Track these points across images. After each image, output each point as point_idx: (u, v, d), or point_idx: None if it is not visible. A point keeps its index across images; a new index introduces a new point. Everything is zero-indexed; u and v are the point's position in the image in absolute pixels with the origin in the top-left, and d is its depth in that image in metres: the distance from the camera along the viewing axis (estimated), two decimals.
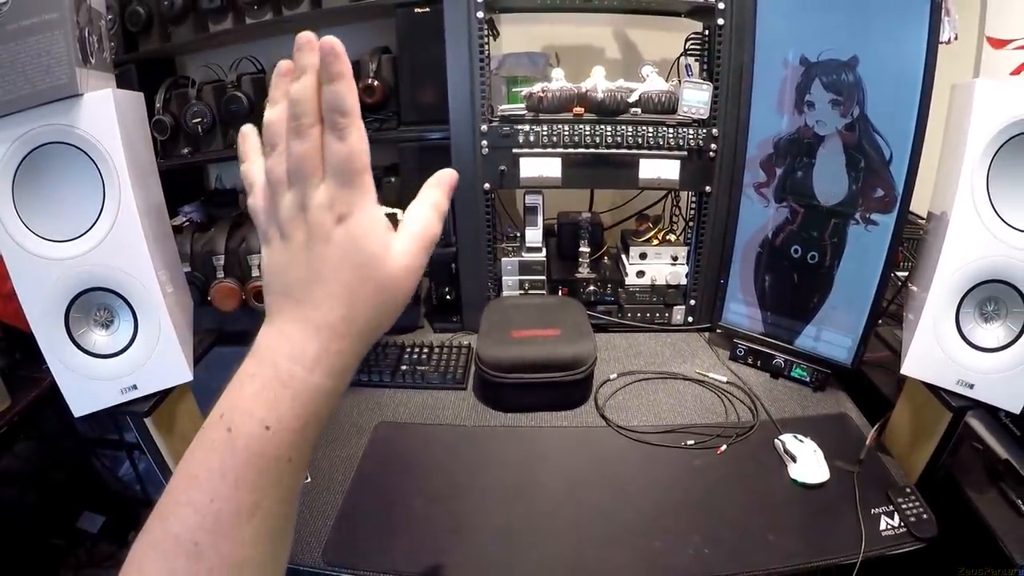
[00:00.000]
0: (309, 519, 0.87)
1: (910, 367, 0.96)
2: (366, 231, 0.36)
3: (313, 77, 0.35)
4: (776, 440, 1.03)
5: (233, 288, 1.28)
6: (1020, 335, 0.89)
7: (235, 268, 1.28)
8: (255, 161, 0.39)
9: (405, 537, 0.85)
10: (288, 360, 0.35)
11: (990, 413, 0.98)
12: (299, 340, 0.35)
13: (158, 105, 1.40)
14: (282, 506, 0.35)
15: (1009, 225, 0.86)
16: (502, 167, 1.21)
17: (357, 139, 0.35)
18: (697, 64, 1.29)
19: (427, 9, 1.29)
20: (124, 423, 1.10)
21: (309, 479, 0.93)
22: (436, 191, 0.41)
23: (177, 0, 1.37)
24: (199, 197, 1.56)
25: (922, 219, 1.24)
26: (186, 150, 1.45)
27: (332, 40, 0.35)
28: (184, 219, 1.47)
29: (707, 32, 1.25)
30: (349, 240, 0.35)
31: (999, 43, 1.98)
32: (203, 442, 0.34)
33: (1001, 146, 0.86)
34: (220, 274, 1.27)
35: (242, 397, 0.35)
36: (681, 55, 1.31)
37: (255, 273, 1.28)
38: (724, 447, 1.02)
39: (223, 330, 1.32)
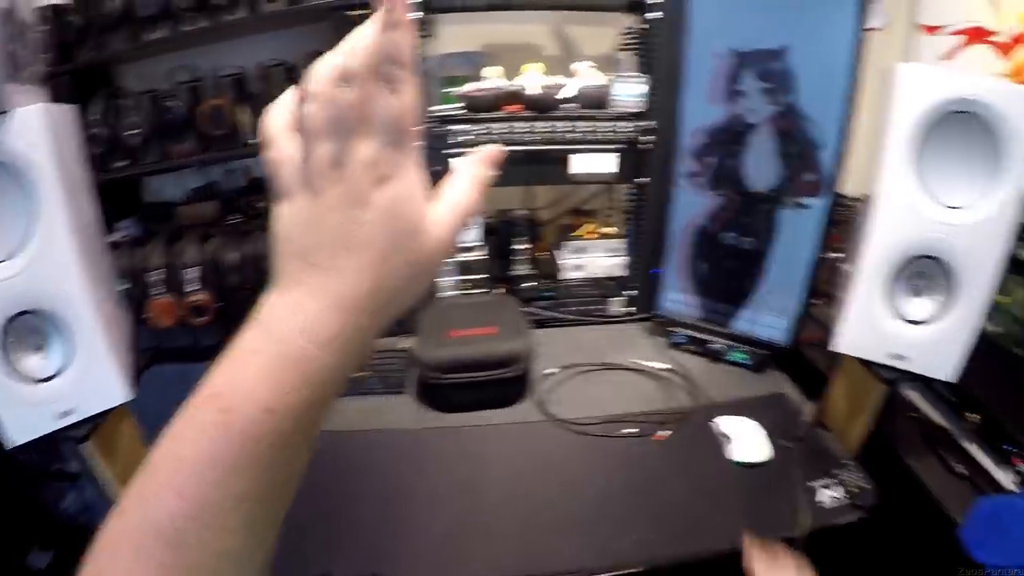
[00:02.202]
0: None
1: (842, 343, 0.98)
2: (406, 198, 0.32)
3: (373, 28, 0.31)
4: (715, 423, 1.04)
5: (170, 304, 1.25)
6: (948, 307, 0.92)
7: (172, 283, 1.26)
8: (279, 113, 0.34)
9: (352, 544, 0.84)
10: (300, 336, 0.31)
11: (925, 383, 1.01)
12: (315, 314, 0.31)
13: (93, 117, 1.37)
14: (273, 491, 0.32)
15: (934, 202, 0.89)
16: (437, 167, 1.20)
17: (412, 95, 0.31)
18: (632, 58, 1.31)
19: (362, 11, 1.28)
20: (65, 451, 1.07)
21: None
22: (480, 166, 0.37)
23: (112, 8, 1.34)
24: (136, 211, 1.53)
25: (854, 201, 1.27)
26: (121, 163, 1.42)
27: None
28: (121, 234, 1.44)
29: (642, 27, 1.26)
30: (389, 206, 0.31)
31: (931, 29, 2.06)
32: (193, 421, 0.31)
33: (925, 127, 0.88)
34: (157, 290, 1.25)
35: (244, 375, 0.31)
36: (615, 49, 1.32)
37: (192, 287, 1.25)
38: (664, 433, 1.03)
39: (161, 347, 1.30)
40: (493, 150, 0.37)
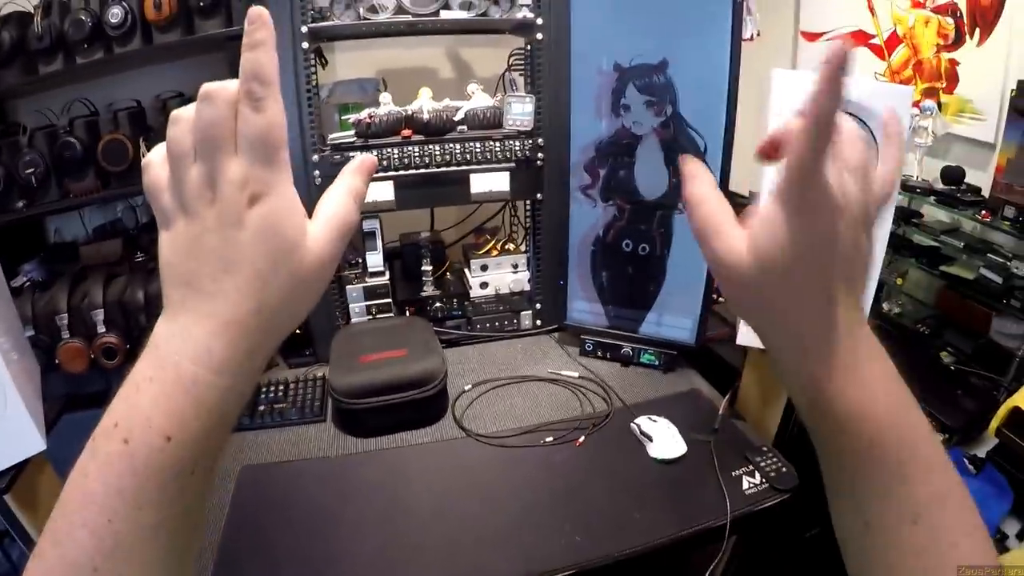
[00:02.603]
0: None
1: (744, 337, 1.04)
2: (282, 216, 0.32)
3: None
4: (632, 424, 1.08)
5: (80, 348, 1.22)
6: None
7: (80, 326, 1.23)
8: (162, 144, 0.34)
9: None
10: (191, 362, 0.30)
11: None
12: (203, 339, 0.31)
13: None
14: (187, 519, 0.32)
15: None
16: None
17: (276, 112, 0.31)
18: (521, 78, 1.34)
19: None
20: None
21: None
22: (354, 177, 0.37)
23: (4, 41, 1.29)
24: (38, 253, 1.48)
25: (745, 199, 1.35)
26: (20, 203, 1.37)
27: (259, 9, 0.30)
28: (24, 279, 1.39)
29: (528, 47, 1.30)
30: (264, 224, 0.31)
31: (812, 36, 2.18)
32: (97, 454, 0.30)
33: None
34: (65, 334, 1.22)
35: (139, 405, 0.30)
36: (506, 71, 1.36)
37: (101, 329, 1.22)
38: (582, 438, 1.07)
39: (75, 393, 1.26)
40: (365, 159, 0.38)
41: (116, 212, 1.52)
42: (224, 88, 0.30)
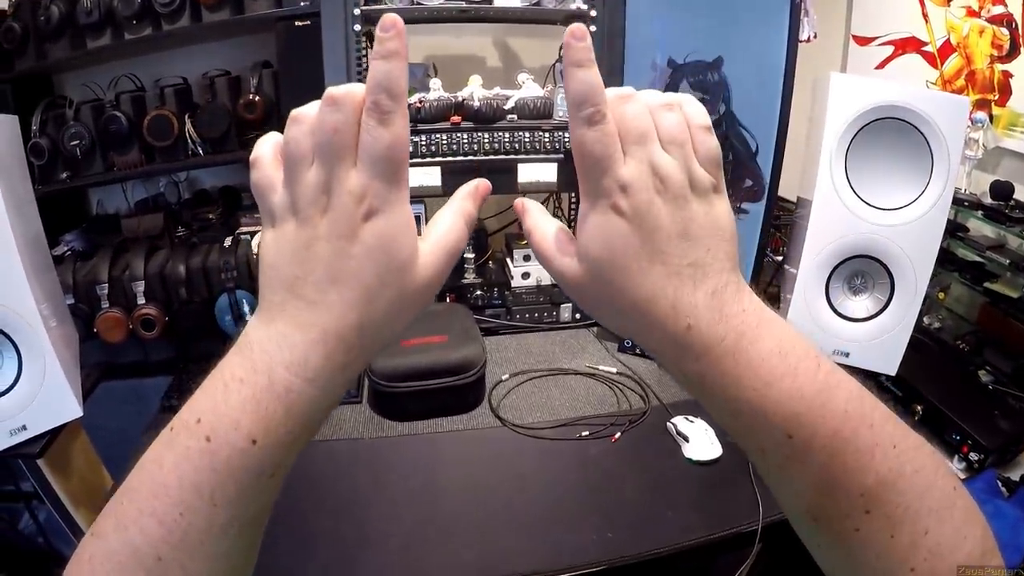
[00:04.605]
0: None
1: None
2: (396, 234, 0.30)
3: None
4: (668, 423, 1.07)
5: (119, 318, 1.23)
6: (887, 304, 0.96)
7: (120, 297, 1.24)
8: (270, 136, 0.33)
9: (314, 556, 0.84)
10: (286, 370, 0.30)
11: (870, 377, 1.04)
12: (302, 348, 0.30)
13: (34, 128, 1.33)
14: (258, 518, 0.32)
15: (867, 204, 0.93)
16: None
17: (402, 127, 0.30)
18: None
19: (307, 22, 1.27)
20: (18, 470, 1.05)
21: None
22: (466, 201, 0.36)
23: (53, 15, 1.30)
24: (80, 224, 1.49)
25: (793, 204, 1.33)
26: (65, 175, 1.38)
27: (393, 16, 0.29)
28: (65, 248, 1.40)
29: None
30: (377, 242, 0.30)
31: (864, 40, 2.14)
32: (174, 446, 0.30)
33: (856, 132, 0.92)
34: (105, 304, 1.22)
35: (227, 404, 0.30)
36: (556, 61, 1.35)
37: (140, 300, 1.23)
38: (618, 435, 1.06)
39: (111, 363, 1.27)
40: (480, 184, 0.36)
41: (159, 187, 1.54)
42: (352, 94, 0.30)
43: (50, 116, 1.35)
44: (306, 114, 0.31)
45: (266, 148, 0.32)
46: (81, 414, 0.95)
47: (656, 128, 0.31)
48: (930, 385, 1.05)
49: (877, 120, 0.92)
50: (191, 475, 0.29)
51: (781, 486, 0.33)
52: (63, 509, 0.99)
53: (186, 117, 1.38)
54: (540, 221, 0.36)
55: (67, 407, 0.92)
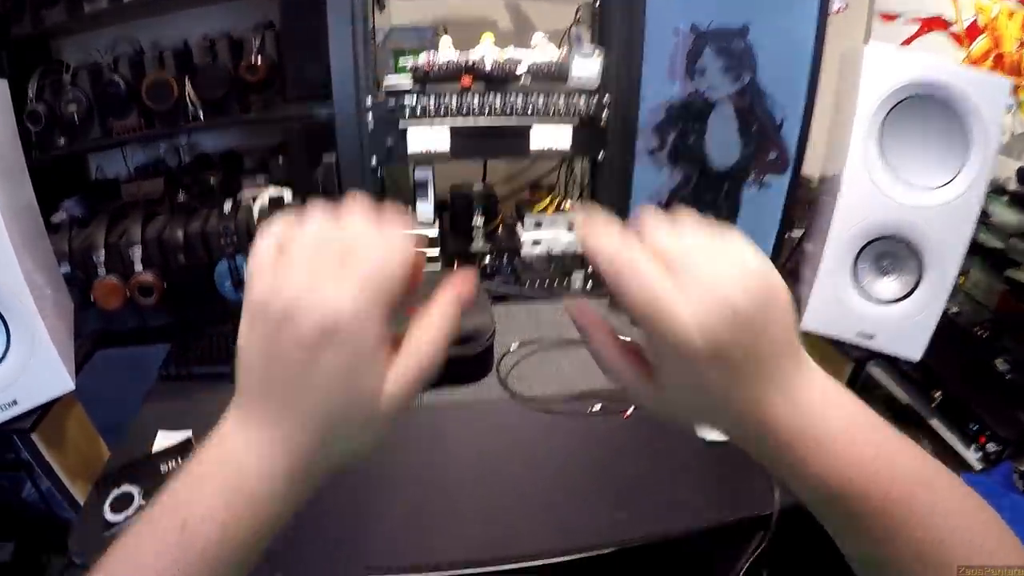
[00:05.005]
0: None
1: (811, 322, 0.98)
2: (370, 354, 0.31)
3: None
4: None
5: (116, 285, 1.19)
6: (914, 288, 0.92)
7: (117, 263, 1.20)
8: (279, 222, 0.34)
9: (312, 533, 0.81)
10: (253, 472, 0.31)
11: (889, 362, 1.02)
12: (268, 453, 0.31)
13: (31, 94, 1.29)
14: None
15: (899, 183, 0.89)
16: (389, 142, 1.17)
17: (400, 249, 0.33)
18: (588, 32, 1.28)
19: None
20: (15, 441, 1.02)
21: None
22: (447, 316, 0.36)
23: None
24: (80, 190, 1.45)
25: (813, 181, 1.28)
26: (62, 141, 1.35)
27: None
28: (64, 215, 1.37)
29: (598, 1, 1.24)
30: (351, 360, 0.30)
31: (889, 17, 2.09)
32: (154, 531, 0.31)
33: (890, 109, 0.88)
34: (101, 271, 1.19)
35: (201, 495, 0.31)
36: (572, 24, 1.30)
37: (138, 267, 1.19)
38: (630, 410, 1.02)
39: (108, 331, 1.24)
40: (466, 283, 0.37)
41: (159, 151, 1.50)
42: (360, 213, 0.33)
43: (47, 82, 1.31)
44: (319, 219, 0.32)
45: (273, 232, 0.33)
46: (73, 387, 0.92)
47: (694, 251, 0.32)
48: (947, 371, 1.01)
49: (912, 97, 0.87)
50: (168, 563, 0.30)
51: (843, 540, 0.35)
52: (59, 483, 0.96)
53: (186, 80, 1.34)
54: (605, 342, 0.37)
55: (59, 380, 0.89)
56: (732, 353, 0.31)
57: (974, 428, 0.93)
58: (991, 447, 0.92)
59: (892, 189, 0.89)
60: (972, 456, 0.92)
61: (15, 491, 1.61)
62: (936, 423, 0.98)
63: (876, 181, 0.90)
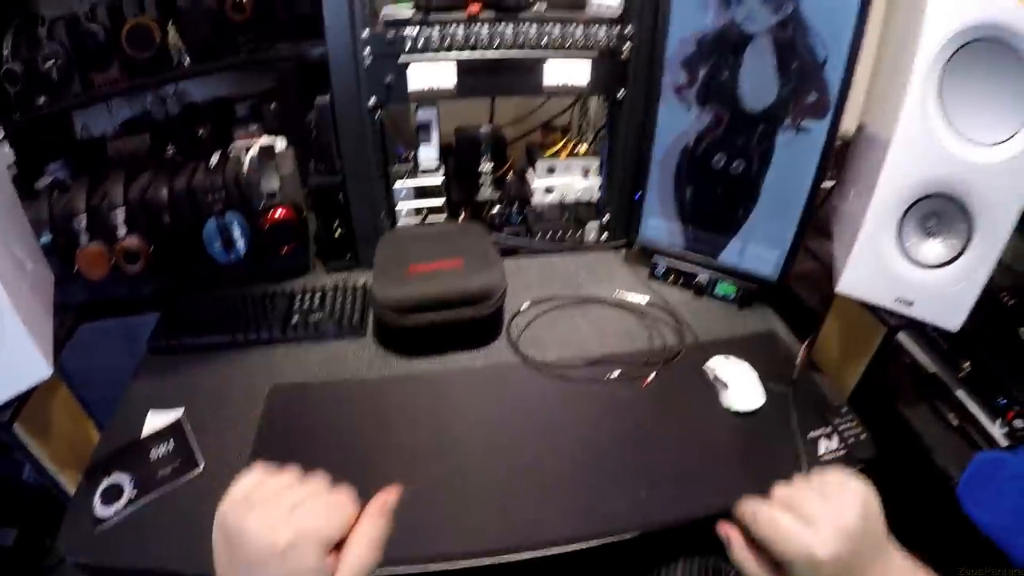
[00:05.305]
0: (208, 515, 0.75)
1: (847, 285, 0.89)
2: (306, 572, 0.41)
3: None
4: (705, 367, 0.97)
5: (100, 251, 1.11)
6: (961, 252, 0.83)
7: (100, 228, 1.12)
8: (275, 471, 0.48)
9: None
10: None
11: (916, 328, 0.94)
12: None
13: (6, 52, 1.20)
14: None
15: (958, 137, 0.79)
16: (388, 79, 1.06)
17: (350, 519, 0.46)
18: None
19: None
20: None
21: (202, 467, 0.82)
22: (376, 524, 0.47)
23: None
24: (67, 152, 1.37)
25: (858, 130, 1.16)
26: (42, 99, 1.26)
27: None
28: (49, 179, 1.29)
29: None
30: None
31: None
32: None
33: (954, 52, 0.77)
34: (84, 238, 1.10)
35: None
36: None
37: (121, 232, 1.11)
38: (651, 377, 0.95)
39: (93, 302, 1.17)
40: (385, 501, 0.49)
41: (145, 104, 1.40)
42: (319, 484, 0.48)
43: (23, 39, 1.22)
44: (279, 475, 0.47)
45: (244, 482, 0.46)
46: (49, 374, 0.83)
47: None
48: (977, 341, 0.93)
49: (979, 40, 0.76)
50: None
51: None
52: (48, 476, 0.90)
53: (169, 24, 1.24)
54: (748, 556, 0.49)
55: (33, 368, 0.80)
56: (847, 558, 0.44)
57: (1002, 403, 0.86)
58: (1018, 423, 0.85)
59: (950, 142, 0.79)
60: (998, 431, 0.86)
61: (16, 473, 1.57)
62: (962, 394, 0.90)
63: (934, 132, 0.80)
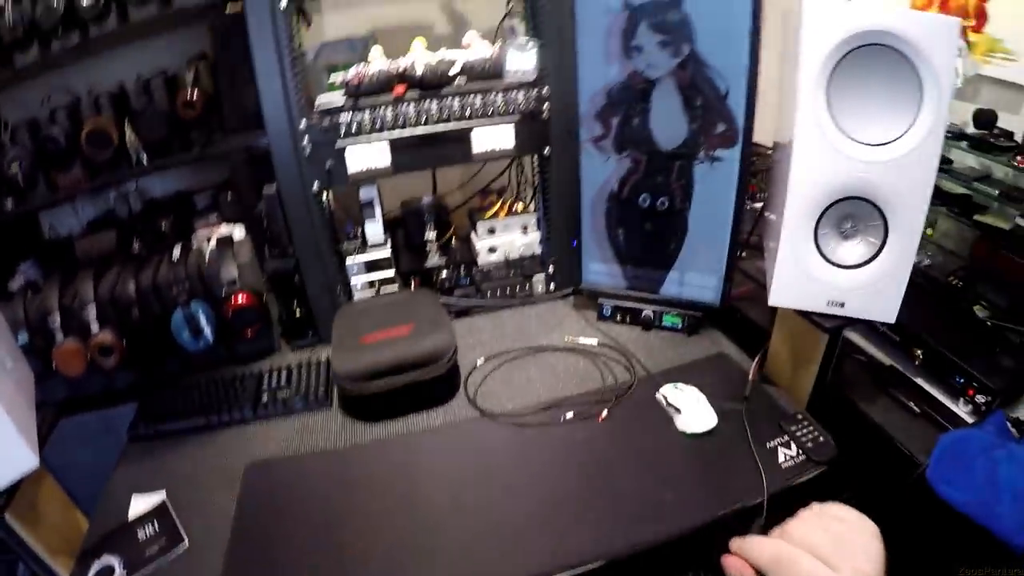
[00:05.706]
0: None
1: (777, 297, 0.94)
2: None
3: None
4: (657, 395, 1.00)
5: (76, 348, 1.15)
6: (881, 248, 0.88)
7: (74, 326, 1.16)
8: None
9: None
10: None
11: (867, 325, 0.98)
12: None
13: None
14: None
15: (854, 140, 0.85)
16: (328, 164, 1.12)
17: None
18: (522, 24, 1.23)
19: (238, 6, 1.18)
20: None
21: (187, 543, 0.85)
22: None
23: None
24: (35, 251, 1.42)
25: (769, 149, 1.23)
26: (9, 202, 1.31)
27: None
28: (21, 280, 1.33)
29: None
30: None
31: None
32: None
33: (836, 64, 0.84)
34: (59, 336, 1.15)
35: None
36: (505, 16, 1.25)
37: (95, 328, 1.15)
38: (605, 412, 0.99)
39: (72, 397, 1.20)
40: None
41: (109, 202, 1.46)
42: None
43: None
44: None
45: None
46: (36, 464, 0.88)
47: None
48: (926, 326, 0.97)
49: (858, 48, 0.83)
50: None
51: None
52: (37, 559, 0.92)
53: (125, 124, 1.30)
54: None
55: (20, 459, 0.85)
56: None
57: (960, 381, 0.90)
58: (980, 399, 0.89)
59: (847, 147, 0.85)
60: (962, 410, 0.90)
61: (10, 573, 1.59)
62: (922, 381, 0.94)
63: (829, 139, 0.85)
